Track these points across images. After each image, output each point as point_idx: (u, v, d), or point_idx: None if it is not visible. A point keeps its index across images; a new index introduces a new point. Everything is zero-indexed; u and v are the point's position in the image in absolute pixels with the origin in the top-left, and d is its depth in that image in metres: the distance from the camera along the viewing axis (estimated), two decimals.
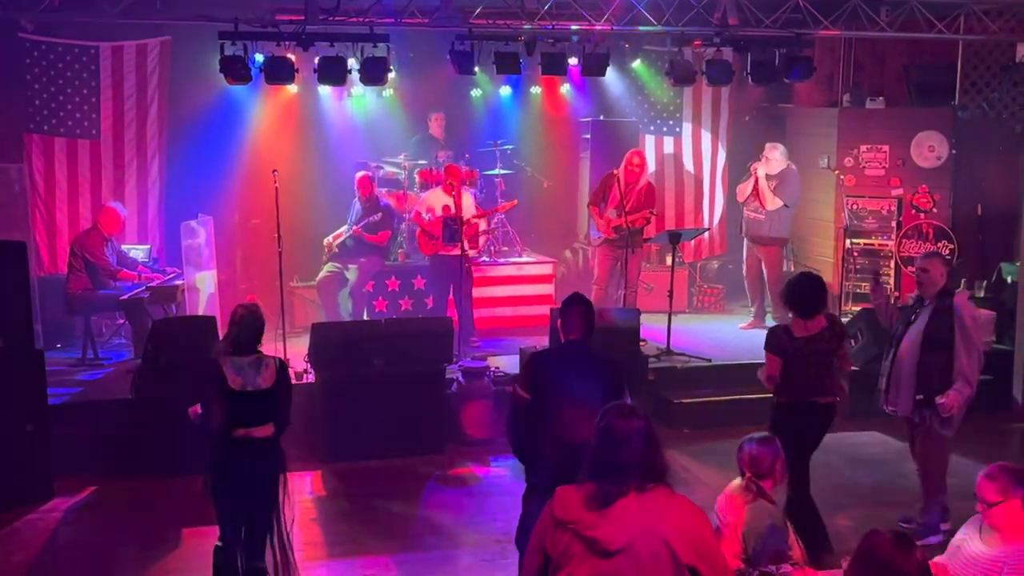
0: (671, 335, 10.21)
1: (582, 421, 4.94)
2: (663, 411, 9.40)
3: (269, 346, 9.39)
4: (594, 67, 10.05)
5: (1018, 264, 10.44)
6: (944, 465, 6.99)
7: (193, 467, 6.29)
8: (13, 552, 6.90)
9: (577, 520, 3.51)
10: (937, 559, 4.78)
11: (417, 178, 11.87)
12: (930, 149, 11.63)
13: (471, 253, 10.58)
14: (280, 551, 5.81)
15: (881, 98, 11.99)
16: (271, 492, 5.74)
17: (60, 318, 10.09)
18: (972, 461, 8.36)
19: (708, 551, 3.50)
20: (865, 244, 11.75)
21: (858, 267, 11.76)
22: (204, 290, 10.15)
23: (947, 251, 11.33)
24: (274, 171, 9.68)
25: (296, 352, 9.31)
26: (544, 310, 10.01)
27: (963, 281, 11.14)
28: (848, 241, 11.45)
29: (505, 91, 12.91)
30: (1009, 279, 10.69)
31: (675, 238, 10.47)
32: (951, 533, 6.53)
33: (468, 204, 10.66)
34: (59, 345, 10.23)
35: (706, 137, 12.99)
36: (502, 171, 12.16)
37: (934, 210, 11.59)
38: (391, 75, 10.06)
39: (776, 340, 6.59)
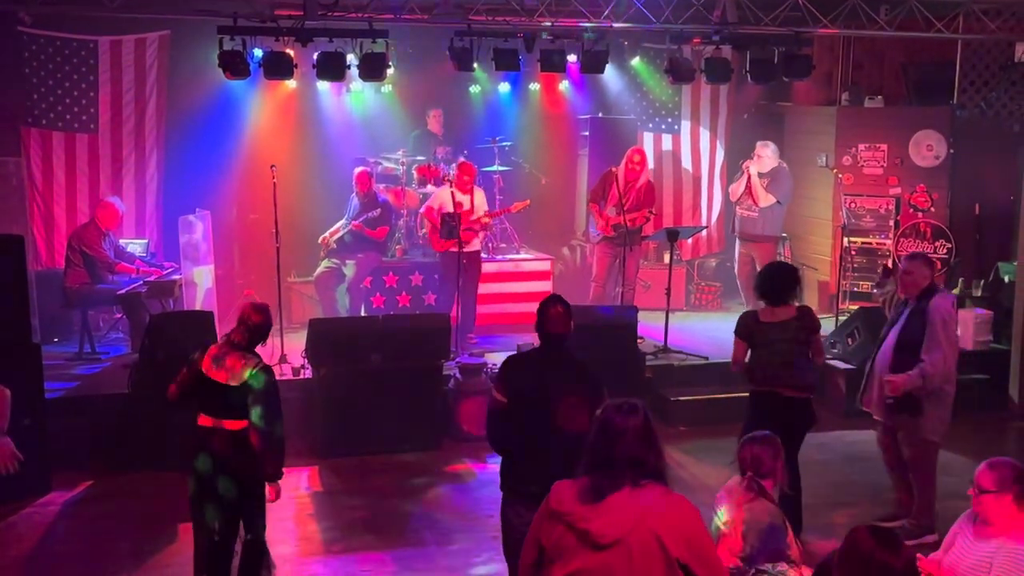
0: (668, 333, 10.23)
1: (559, 424, 4.94)
2: (660, 408, 9.40)
3: (267, 341, 9.45)
4: (593, 64, 10.05)
5: (1015, 264, 10.44)
6: (931, 467, 6.93)
7: (190, 461, 6.28)
8: (10, 546, 6.91)
9: (570, 512, 3.53)
10: (932, 556, 4.80)
11: (415, 174, 11.87)
12: (928, 148, 11.64)
13: (479, 250, 10.68)
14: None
15: (880, 97, 12.00)
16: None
17: (57, 312, 10.09)
18: (967, 460, 8.36)
19: (700, 548, 3.49)
20: (863, 243, 11.76)
21: (856, 266, 11.78)
22: (202, 285, 10.14)
23: (944, 250, 11.35)
24: (272, 166, 9.70)
25: (293, 347, 9.31)
26: None
27: (960, 280, 11.16)
28: (846, 240, 11.45)
29: (504, 88, 12.90)
30: (1006, 279, 10.70)
31: (673, 236, 10.48)
32: (943, 534, 6.57)
33: (481, 202, 10.67)
34: (56, 339, 10.23)
35: (704, 135, 13.00)
36: (500, 168, 12.16)
37: (932, 209, 11.61)
38: (390, 71, 10.06)
39: (743, 323, 6.85)
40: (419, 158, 12.07)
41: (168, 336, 8.24)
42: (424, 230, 11.29)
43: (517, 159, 12.69)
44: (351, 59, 9.44)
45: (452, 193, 10.23)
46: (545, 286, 11.60)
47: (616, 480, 3.50)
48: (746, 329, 6.81)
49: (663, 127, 13.00)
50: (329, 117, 12.32)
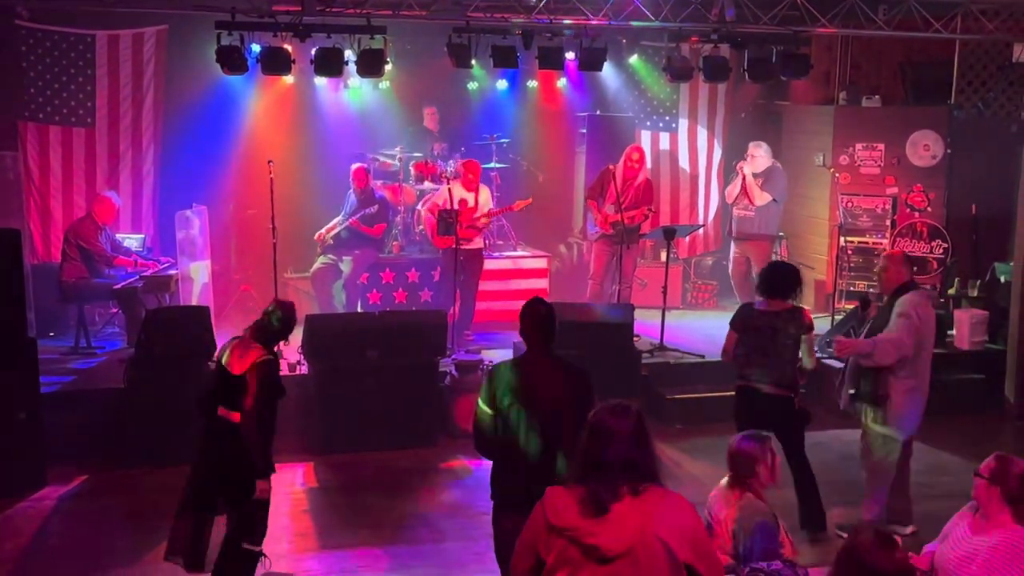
0: (664, 331, 10.24)
1: (546, 435, 4.89)
2: (656, 407, 9.41)
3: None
4: (591, 62, 10.05)
5: (1012, 264, 10.46)
6: (887, 465, 6.88)
7: (185, 456, 6.29)
8: (5, 540, 6.91)
9: (575, 527, 3.45)
10: (927, 547, 4.83)
11: (412, 170, 11.86)
12: (925, 148, 11.65)
13: (482, 247, 10.69)
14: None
15: (877, 96, 12.01)
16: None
17: (54, 306, 10.07)
18: (963, 460, 8.42)
19: (704, 549, 3.49)
20: (859, 242, 11.76)
21: (852, 265, 11.78)
22: (198, 280, 10.14)
23: (941, 250, 11.36)
24: (269, 162, 9.70)
25: (289, 343, 9.29)
26: None
27: (956, 281, 11.18)
28: (842, 239, 11.46)
29: (501, 85, 12.88)
30: (1002, 279, 10.71)
31: (670, 234, 10.49)
32: (915, 535, 6.59)
33: (486, 199, 10.66)
34: (52, 333, 10.22)
35: (702, 133, 13.00)
36: (498, 165, 12.15)
37: (928, 209, 11.62)
38: (388, 67, 10.05)
39: (737, 313, 7.09)
40: (416, 154, 12.06)
41: (164, 331, 8.24)
42: (421, 226, 11.28)
43: (515, 156, 12.68)
44: (349, 55, 9.43)
45: (449, 190, 10.21)
46: (542, 284, 11.62)
47: (614, 488, 3.44)
48: (739, 319, 6.99)
49: (661, 125, 13.01)
50: (327, 113, 12.31)
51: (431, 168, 11.64)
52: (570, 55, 10.43)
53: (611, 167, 10.68)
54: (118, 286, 9.70)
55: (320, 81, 11.65)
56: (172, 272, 9.99)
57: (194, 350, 8.21)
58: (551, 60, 9.94)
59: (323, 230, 10.91)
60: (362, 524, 7.26)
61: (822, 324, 10.22)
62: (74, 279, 9.74)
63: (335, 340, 8.61)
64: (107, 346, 10.09)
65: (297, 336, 8.96)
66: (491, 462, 5.29)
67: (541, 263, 11.86)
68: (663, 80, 11.76)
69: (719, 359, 9.99)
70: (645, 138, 12.85)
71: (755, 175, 11.25)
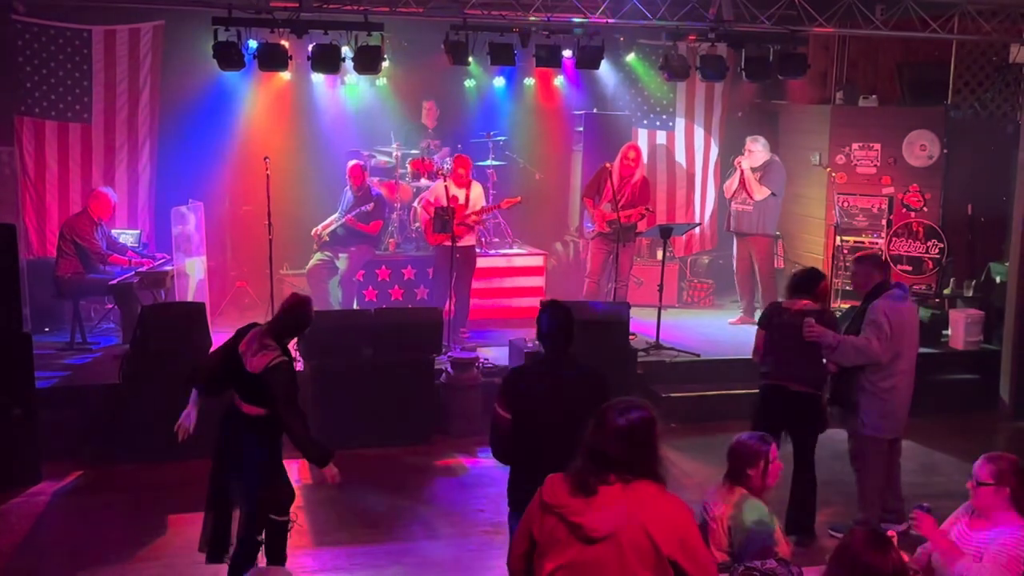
0: (660, 329, 10.24)
1: (564, 440, 4.92)
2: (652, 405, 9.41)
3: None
4: (588, 60, 10.04)
5: (1007, 264, 10.48)
6: (874, 462, 6.91)
7: (180, 453, 6.29)
8: (0, 536, 6.89)
9: (564, 505, 3.55)
10: (921, 548, 4.83)
11: (409, 168, 11.85)
12: (922, 148, 11.66)
13: (474, 244, 10.66)
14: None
15: (874, 96, 12.01)
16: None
17: (49, 302, 10.06)
18: (957, 460, 8.45)
19: (692, 547, 3.50)
20: (855, 242, 11.76)
21: (848, 265, 11.77)
22: (194, 276, 10.13)
23: (936, 250, 11.37)
24: (266, 158, 9.70)
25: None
26: (534, 302, 10.03)
27: (951, 280, 11.20)
28: (838, 238, 11.47)
29: (499, 82, 12.88)
30: (998, 279, 10.74)
31: (666, 232, 10.49)
32: (906, 534, 6.60)
33: (477, 196, 10.65)
34: (47, 329, 10.21)
35: (699, 132, 13.01)
36: (495, 162, 12.15)
37: (924, 209, 11.63)
38: (385, 64, 10.04)
39: (764, 312, 7.21)
40: (413, 152, 12.06)
41: (160, 327, 8.23)
42: (417, 223, 11.28)
43: (511, 154, 12.67)
44: (346, 52, 9.42)
45: (446, 187, 10.21)
46: (538, 281, 11.62)
47: (605, 475, 3.50)
48: (766, 317, 7.06)
49: (658, 124, 13.01)
50: (323, 109, 12.29)
51: (427, 165, 11.63)
52: (567, 53, 10.42)
53: (608, 165, 10.67)
54: (114, 282, 9.69)
55: (317, 78, 11.62)
56: (168, 268, 9.98)
57: (189, 346, 8.20)
58: (548, 58, 9.94)
59: (319, 227, 10.90)
60: (357, 522, 7.26)
61: None
62: (69, 275, 9.73)
63: (331, 337, 8.58)
64: (102, 342, 10.08)
65: None
66: (494, 459, 5.28)
67: (537, 261, 11.86)
68: (660, 79, 11.75)
69: (715, 358, 10.14)
70: (642, 136, 12.86)
71: (753, 169, 11.25)
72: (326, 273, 10.83)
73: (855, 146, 11.87)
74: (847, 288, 11.59)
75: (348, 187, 10.86)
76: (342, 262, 10.79)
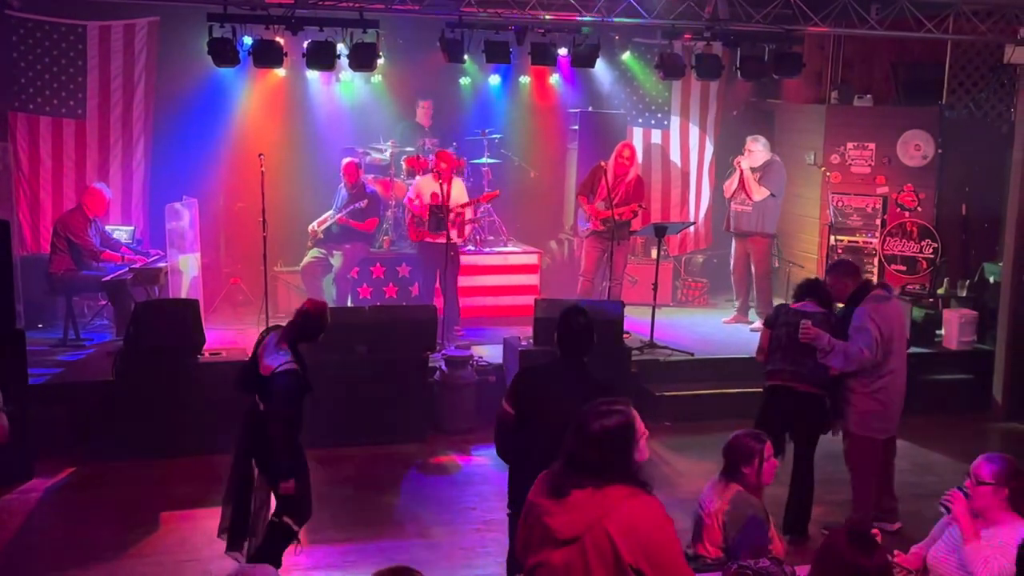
0: (655, 328, 10.24)
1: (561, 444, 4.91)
2: (645, 404, 9.39)
3: (251, 330, 9.42)
4: (584, 59, 10.03)
5: (1001, 264, 10.49)
6: (868, 462, 6.93)
7: (173, 450, 6.29)
8: None
9: (539, 505, 3.59)
10: (915, 548, 4.83)
11: (404, 165, 11.84)
12: (916, 148, 11.66)
13: (457, 241, 10.55)
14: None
15: (869, 96, 12.02)
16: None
17: (42, 298, 10.03)
18: (951, 460, 8.47)
19: (659, 557, 3.44)
20: (849, 241, 11.78)
21: None
22: (187, 273, 10.11)
23: (930, 250, 11.38)
24: (260, 155, 9.68)
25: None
26: (529, 300, 10.01)
27: (945, 280, 11.21)
28: (832, 238, 11.48)
29: (494, 80, 12.87)
30: (991, 279, 10.75)
31: (661, 231, 10.49)
32: (900, 533, 6.60)
33: (459, 192, 10.62)
34: (40, 325, 10.18)
35: (694, 131, 13.01)
36: (490, 160, 12.14)
37: (919, 209, 11.64)
38: (380, 61, 10.02)
39: (772, 312, 7.25)
40: (407, 149, 12.05)
41: (153, 324, 8.21)
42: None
43: (506, 152, 12.66)
44: (341, 49, 9.39)
45: (440, 185, 10.19)
46: (533, 279, 11.61)
47: (577, 478, 3.51)
48: (773, 316, 7.09)
49: (653, 122, 13.01)
50: (318, 106, 12.28)
51: (423, 163, 11.62)
52: (562, 51, 10.41)
53: (602, 163, 10.68)
54: (107, 278, 9.67)
55: (312, 75, 11.61)
56: (161, 265, 9.96)
57: (183, 343, 8.19)
58: (544, 56, 9.92)
59: (315, 223, 10.89)
60: (351, 519, 7.26)
61: None
62: (63, 271, 9.70)
63: (325, 334, 8.55)
64: (96, 338, 10.05)
65: None
66: (495, 457, 5.33)
67: (532, 259, 11.85)
68: (655, 77, 11.74)
69: (708, 357, 10.14)
70: (637, 135, 12.86)
71: (753, 169, 11.24)
72: (320, 270, 10.82)
73: (850, 145, 11.88)
74: None
75: (342, 184, 10.84)
76: (336, 259, 10.78)
